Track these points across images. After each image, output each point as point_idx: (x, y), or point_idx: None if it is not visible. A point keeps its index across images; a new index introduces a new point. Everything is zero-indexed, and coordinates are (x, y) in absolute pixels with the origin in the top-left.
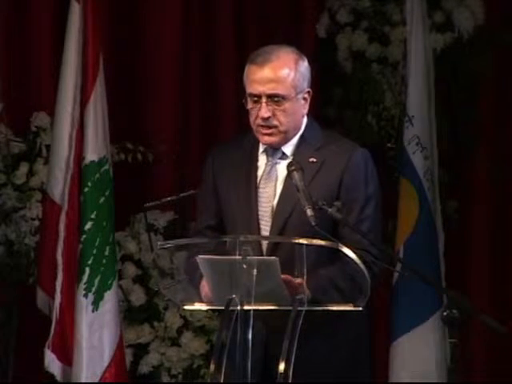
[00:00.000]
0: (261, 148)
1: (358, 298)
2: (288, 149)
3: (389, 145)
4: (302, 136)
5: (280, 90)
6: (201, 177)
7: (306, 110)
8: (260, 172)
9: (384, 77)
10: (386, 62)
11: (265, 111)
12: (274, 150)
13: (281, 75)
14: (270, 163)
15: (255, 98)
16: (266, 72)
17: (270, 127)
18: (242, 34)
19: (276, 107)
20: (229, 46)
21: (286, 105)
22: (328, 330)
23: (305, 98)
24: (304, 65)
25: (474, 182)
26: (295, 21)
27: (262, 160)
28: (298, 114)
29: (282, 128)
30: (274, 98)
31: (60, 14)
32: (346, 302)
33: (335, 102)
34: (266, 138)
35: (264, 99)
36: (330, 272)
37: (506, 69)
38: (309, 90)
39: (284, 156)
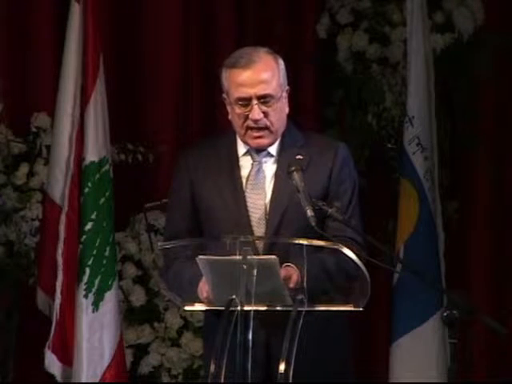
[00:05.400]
0: (242, 150)
1: (357, 296)
2: (272, 148)
3: (389, 145)
4: (283, 135)
5: (270, 90)
6: (173, 181)
7: (288, 109)
8: (244, 173)
9: (384, 77)
10: (387, 62)
11: (257, 113)
12: (258, 150)
13: (268, 75)
14: (256, 163)
15: (244, 102)
16: (253, 74)
17: (260, 129)
18: (242, 34)
19: (266, 108)
20: (229, 46)
21: (276, 104)
22: (316, 330)
23: (286, 97)
24: (282, 63)
25: (474, 182)
26: (295, 21)
27: (246, 161)
28: (284, 113)
29: (272, 128)
30: (265, 99)
31: (60, 14)
32: (337, 290)
33: (335, 102)
34: (258, 141)
35: (255, 101)
36: (320, 255)
37: (505, 69)
38: (288, 87)
39: (269, 155)
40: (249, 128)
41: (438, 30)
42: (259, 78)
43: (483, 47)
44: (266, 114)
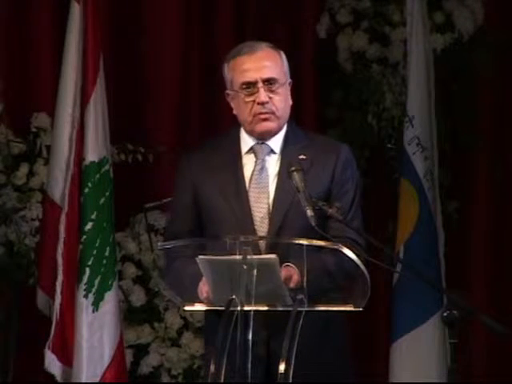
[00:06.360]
0: (245, 148)
1: (357, 296)
2: (276, 145)
3: (389, 145)
4: (286, 134)
5: (274, 74)
6: (175, 182)
7: (291, 101)
8: (247, 172)
9: (384, 77)
10: (387, 62)
11: (264, 96)
12: (261, 148)
13: (272, 60)
14: (259, 161)
15: (249, 87)
16: (257, 60)
17: (267, 113)
18: (243, 35)
19: (271, 92)
20: (229, 46)
21: (280, 89)
22: (314, 331)
23: (288, 88)
24: (284, 56)
25: (474, 182)
26: (295, 21)
27: (249, 159)
28: (288, 102)
29: (278, 113)
30: (270, 82)
31: (60, 14)
32: (337, 290)
33: (335, 102)
34: (265, 124)
35: (260, 84)
36: (321, 255)
37: (505, 69)
38: (290, 80)
39: (272, 152)
40: (256, 114)
41: (438, 30)
42: (263, 63)
43: (483, 47)
44: (271, 99)
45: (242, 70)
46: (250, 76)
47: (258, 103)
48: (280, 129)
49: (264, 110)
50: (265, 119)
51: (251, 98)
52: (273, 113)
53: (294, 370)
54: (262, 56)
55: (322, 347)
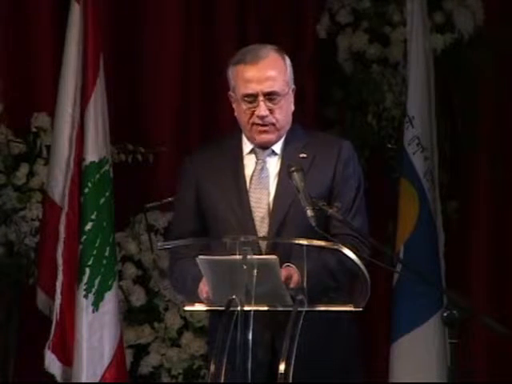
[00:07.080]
0: (246, 149)
1: (357, 296)
2: (276, 146)
3: (389, 145)
4: (286, 135)
5: (277, 88)
6: (179, 183)
7: (293, 107)
8: (248, 172)
9: (384, 77)
10: (387, 62)
11: (264, 110)
12: (262, 149)
13: (275, 72)
14: (260, 162)
15: (251, 98)
16: (260, 70)
17: (266, 125)
18: (243, 35)
19: (272, 105)
20: (229, 46)
21: (282, 102)
22: (321, 329)
23: (291, 95)
24: (289, 61)
25: (474, 182)
26: (295, 21)
27: (250, 160)
28: (290, 111)
29: (278, 125)
30: (271, 96)
31: (60, 14)
32: (338, 290)
33: (335, 102)
34: (263, 136)
35: (261, 97)
36: (322, 254)
37: (505, 69)
38: (294, 86)
39: (273, 154)
40: (254, 124)
41: (437, 30)
42: (266, 75)
43: (483, 47)
44: (271, 111)
45: (245, 79)
46: (252, 88)
47: (258, 116)
48: (280, 138)
49: (262, 123)
50: (264, 131)
51: (251, 110)
52: (272, 124)
53: (301, 370)
54: (265, 66)
55: (329, 347)
